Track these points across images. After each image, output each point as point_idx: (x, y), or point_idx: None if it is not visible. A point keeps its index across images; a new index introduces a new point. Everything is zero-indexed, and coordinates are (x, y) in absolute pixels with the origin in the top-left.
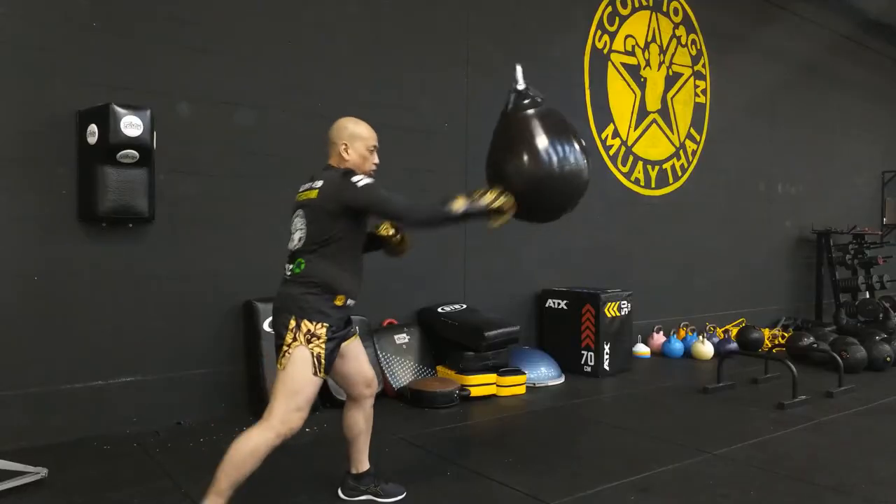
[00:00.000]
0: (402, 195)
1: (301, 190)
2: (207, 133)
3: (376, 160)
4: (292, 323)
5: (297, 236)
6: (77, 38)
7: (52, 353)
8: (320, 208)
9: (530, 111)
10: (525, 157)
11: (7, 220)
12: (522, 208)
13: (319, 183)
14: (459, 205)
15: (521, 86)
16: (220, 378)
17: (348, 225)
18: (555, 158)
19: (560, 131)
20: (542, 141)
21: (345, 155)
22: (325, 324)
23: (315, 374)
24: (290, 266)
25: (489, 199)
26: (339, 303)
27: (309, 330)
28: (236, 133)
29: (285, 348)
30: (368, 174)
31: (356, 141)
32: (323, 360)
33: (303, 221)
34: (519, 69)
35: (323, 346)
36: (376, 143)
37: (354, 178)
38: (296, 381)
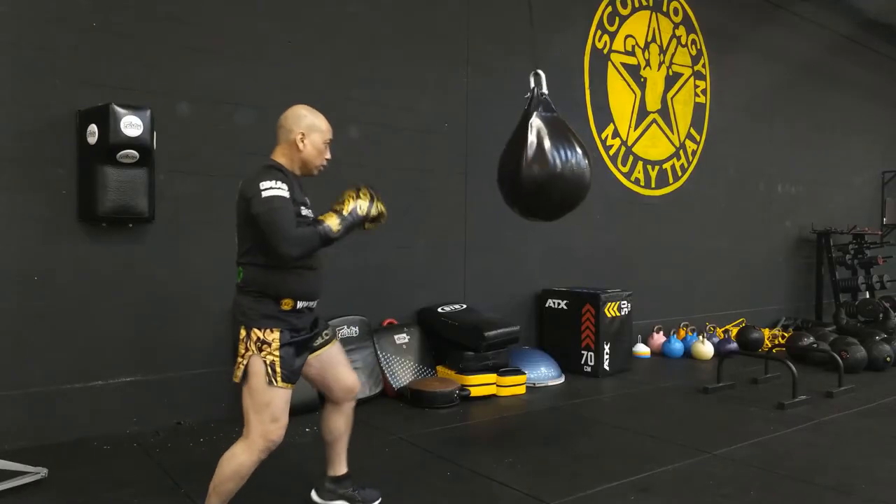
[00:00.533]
0: (292, 222)
1: None
2: (207, 133)
3: (328, 155)
4: (242, 333)
5: (237, 242)
6: (77, 38)
7: (52, 353)
8: (239, 211)
9: (545, 115)
10: (532, 157)
11: (7, 221)
12: (529, 205)
13: (241, 183)
14: (336, 225)
15: (545, 90)
16: (220, 378)
17: None
18: (559, 160)
19: (566, 137)
20: (548, 143)
21: (300, 145)
22: (275, 328)
23: (270, 383)
24: (237, 274)
25: (363, 208)
26: (286, 307)
27: (259, 338)
28: (236, 133)
29: (239, 360)
30: (319, 169)
31: (314, 132)
32: (278, 368)
33: (236, 226)
34: (542, 75)
35: (276, 352)
36: (331, 137)
37: (263, 184)
38: (258, 393)
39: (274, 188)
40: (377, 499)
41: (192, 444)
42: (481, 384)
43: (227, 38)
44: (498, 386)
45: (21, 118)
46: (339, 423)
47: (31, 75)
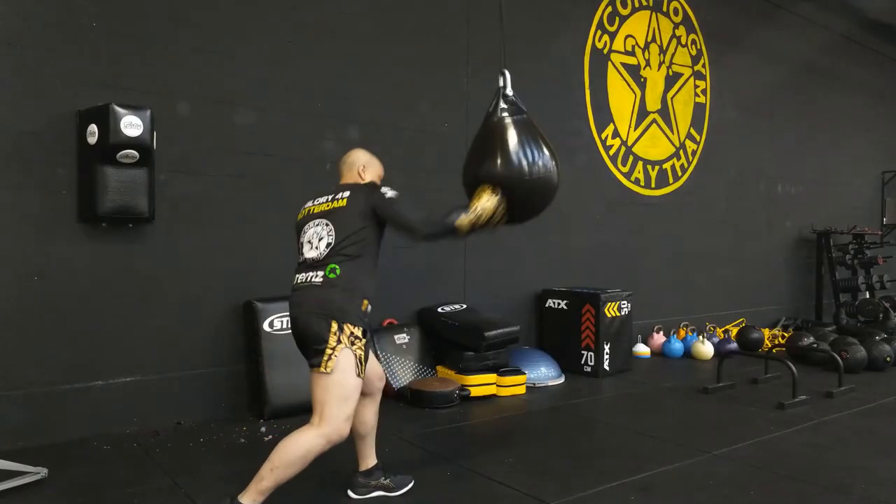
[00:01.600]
0: (419, 209)
1: (318, 202)
2: (207, 133)
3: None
4: (334, 326)
5: (324, 243)
6: (77, 38)
7: (52, 353)
8: (351, 215)
9: (509, 118)
10: (497, 160)
11: (7, 220)
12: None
13: (347, 193)
14: (465, 224)
15: (510, 91)
16: (220, 378)
17: (375, 232)
18: (525, 162)
19: (533, 138)
20: (513, 145)
21: (362, 175)
22: (361, 326)
23: (358, 375)
24: (319, 272)
25: (490, 214)
26: (363, 307)
27: (352, 332)
28: (236, 133)
29: (329, 352)
30: None
31: (371, 167)
32: (363, 362)
33: (328, 229)
34: (507, 75)
35: (363, 347)
36: (383, 175)
37: (383, 189)
38: (345, 386)
39: (393, 191)
40: (410, 483)
41: (192, 444)
42: (481, 384)
43: (227, 38)
44: (498, 386)
45: (21, 118)
46: (371, 415)
47: (31, 75)
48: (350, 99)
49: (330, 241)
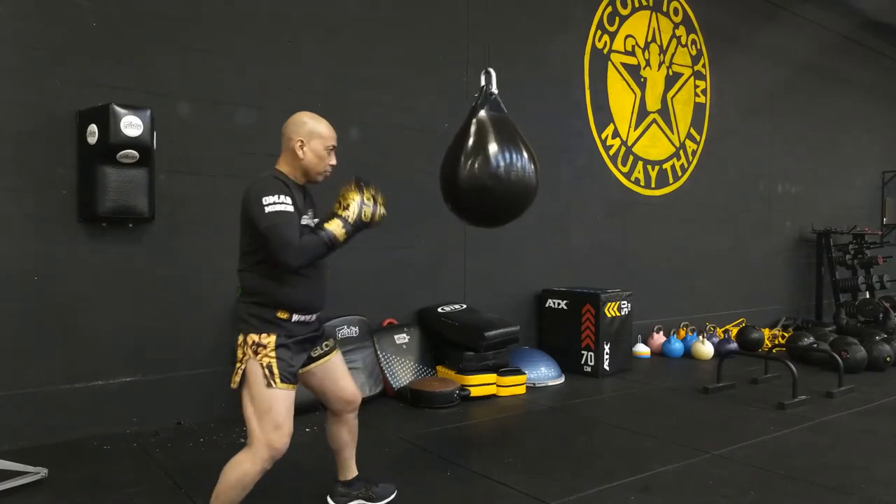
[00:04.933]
0: (295, 234)
1: None
2: (207, 133)
3: (333, 161)
4: (240, 339)
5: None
6: (77, 38)
7: (52, 353)
8: (242, 220)
9: (488, 116)
10: (474, 160)
11: (7, 220)
12: (470, 212)
13: (244, 191)
14: (340, 233)
15: (494, 90)
16: (220, 378)
17: None
18: (502, 164)
19: (511, 139)
20: (492, 146)
21: (299, 153)
22: (271, 333)
23: (269, 385)
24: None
25: (367, 213)
26: (282, 316)
27: (255, 341)
28: (236, 133)
29: (238, 365)
30: (323, 175)
31: (314, 139)
32: (276, 370)
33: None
34: (492, 73)
35: (272, 354)
36: (335, 143)
37: (266, 200)
38: (259, 399)
39: (276, 203)
40: (393, 493)
41: (192, 444)
42: (481, 384)
43: (227, 38)
44: (498, 386)
45: (21, 118)
46: (343, 433)
47: (31, 75)
48: (350, 99)
49: (239, 248)
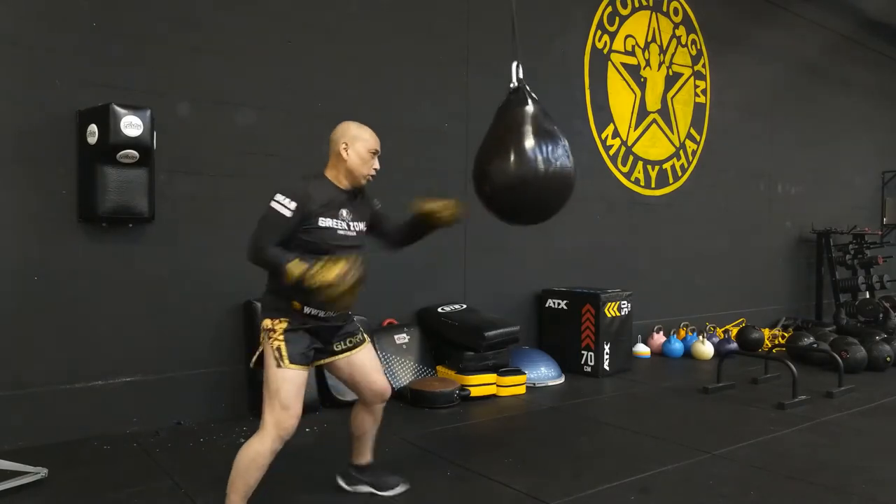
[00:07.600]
0: (270, 235)
1: None
2: (207, 133)
3: (377, 165)
4: (260, 326)
5: None
6: (77, 38)
7: (52, 353)
8: None
9: (521, 109)
10: (511, 156)
11: (7, 220)
12: (506, 208)
13: None
14: (295, 270)
15: (513, 83)
16: (220, 378)
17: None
18: (540, 158)
19: (549, 132)
20: (528, 140)
21: (343, 154)
22: (283, 319)
23: (278, 366)
24: None
25: (325, 282)
26: (295, 306)
27: (269, 326)
28: (236, 133)
29: (258, 350)
30: (366, 178)
31: (357, 142)
32: (285, 351)
33: None
34: (515, 65)
35: (280, 337)
36: (378, 149)
37: (276, 196)
38: (270, 380)
39: (278, 203)
40: (400, 485)
41: (192, 444)
42: (481, 384)
43: (227, 38)
44: (498, 386)
45: (21, 118)
46: (367, 421)
47: (31, 75)
48: (350, 99)
49: None
